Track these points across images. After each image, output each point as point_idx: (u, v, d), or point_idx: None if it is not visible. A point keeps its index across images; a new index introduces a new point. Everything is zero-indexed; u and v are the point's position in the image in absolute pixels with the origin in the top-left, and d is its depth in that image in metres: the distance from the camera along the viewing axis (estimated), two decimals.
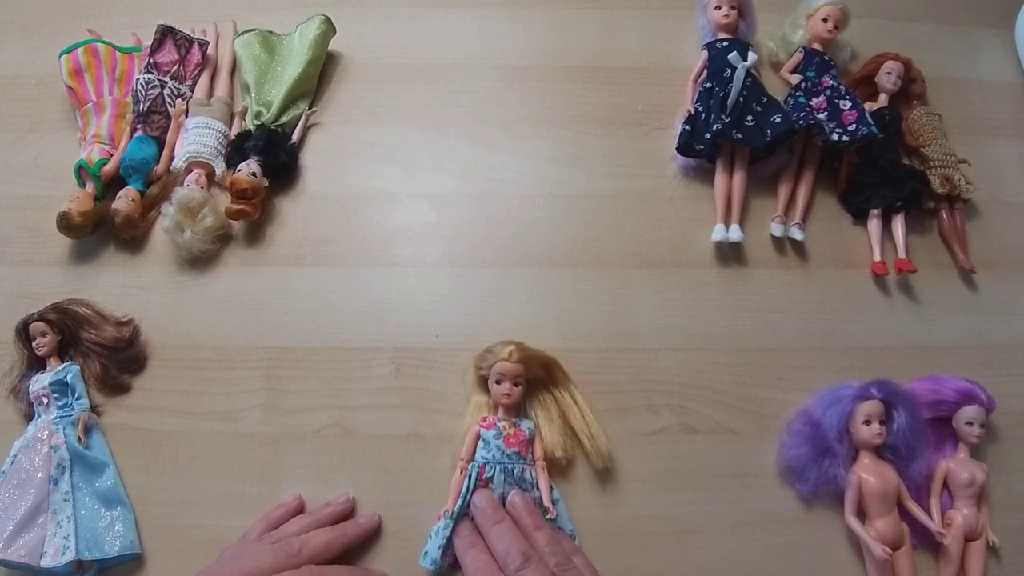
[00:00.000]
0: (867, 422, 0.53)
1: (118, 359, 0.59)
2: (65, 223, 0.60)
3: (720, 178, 0.65)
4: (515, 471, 0.53)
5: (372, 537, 0.54)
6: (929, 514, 0.54)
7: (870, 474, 0.53)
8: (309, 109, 0.69)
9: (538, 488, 0.53)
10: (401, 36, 0.74)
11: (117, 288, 0.63)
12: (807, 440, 0.54)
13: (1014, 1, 0.77)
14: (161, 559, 0.54)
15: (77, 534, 0.52)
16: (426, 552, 0.52)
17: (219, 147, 0.66)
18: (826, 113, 0.65)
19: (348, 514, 0.54)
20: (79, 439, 0.56)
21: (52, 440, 0.55)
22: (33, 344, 0.58)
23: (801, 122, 0.64)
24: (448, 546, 0.51)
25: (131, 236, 0.63)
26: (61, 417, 0.57)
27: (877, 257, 0.64)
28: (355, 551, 0.53)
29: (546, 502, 0.53)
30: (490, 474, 0.52)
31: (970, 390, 0.56)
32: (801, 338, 0.61)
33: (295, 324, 0.61)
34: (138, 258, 0.64)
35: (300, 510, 0.54)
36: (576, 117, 0.70)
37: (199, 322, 0.61)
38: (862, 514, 0.53)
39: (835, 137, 0.64)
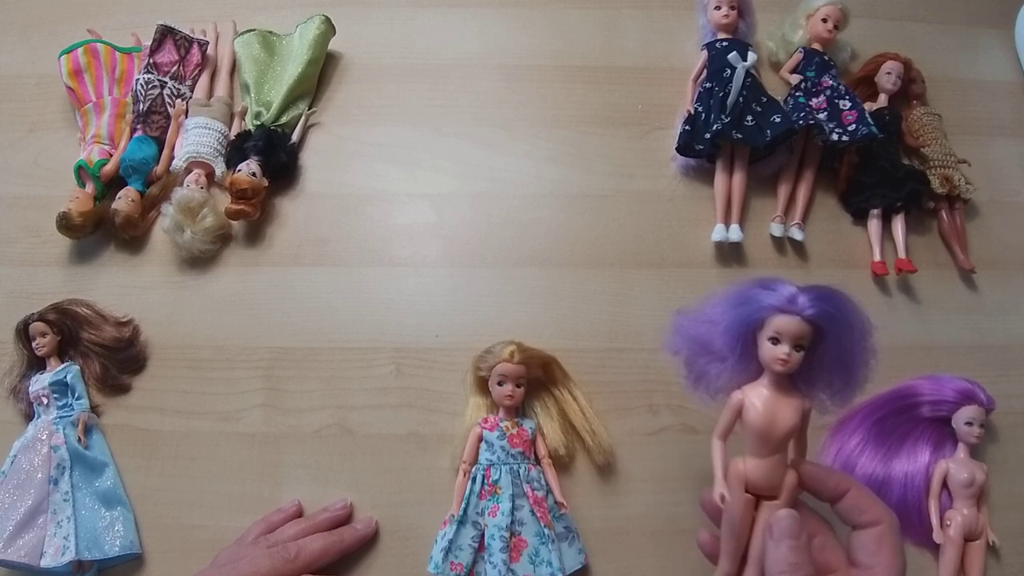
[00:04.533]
0: (774, 340, 0.40)
1: (118, 359, 0.59)
2: (65, 223, 0.60)
3: (720, 178, 0.65)
4: (522, 471, 0.53)
5: (372, 537, 0.54)
6: (929, 514, 0.55)
7: (759, 403, 0.41)
8: (309, 109, 0.69)
9: (548, 485, 0.54)
10: (401, 36, 0.74)
11: (117, 288, 0.63)
12: (691, 337, 0.43)
13: (1014, 1, 0.77)
14: (161, 559, 0.54)
15: (77, 534, 0.52)
16: (430, 556, 0.52)
17: (219, 147, 0.66)
18: (826, 113, 0.65)
19: (345, 520, 0.54)
20: (79, 439, 0.56)
21: (52, 440, 0.55)
22: (33, 344, 0.58)
23: (801, 122, 0.64)
24: (451, 551, 0.51)
25: (131, 236, 0.63)
26: (61, 417, 0.57)
27: (877, 257, 0.64)
28: (355, 551, 0.53)
29: (559, 497, 0.53)
30: (496, 476, 0.52)
31: (970, 390, 0.56)
32: None
33: (295, 324, 0.61)
34: (138, 258, 0.64)
35: (298, 515, 0.54)
36: (576, 117, 0.70)
37: (199, 322, 0.61)
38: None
39: (835, 137, 0.64)
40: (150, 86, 0.67)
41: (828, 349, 0.40)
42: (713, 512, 0.44)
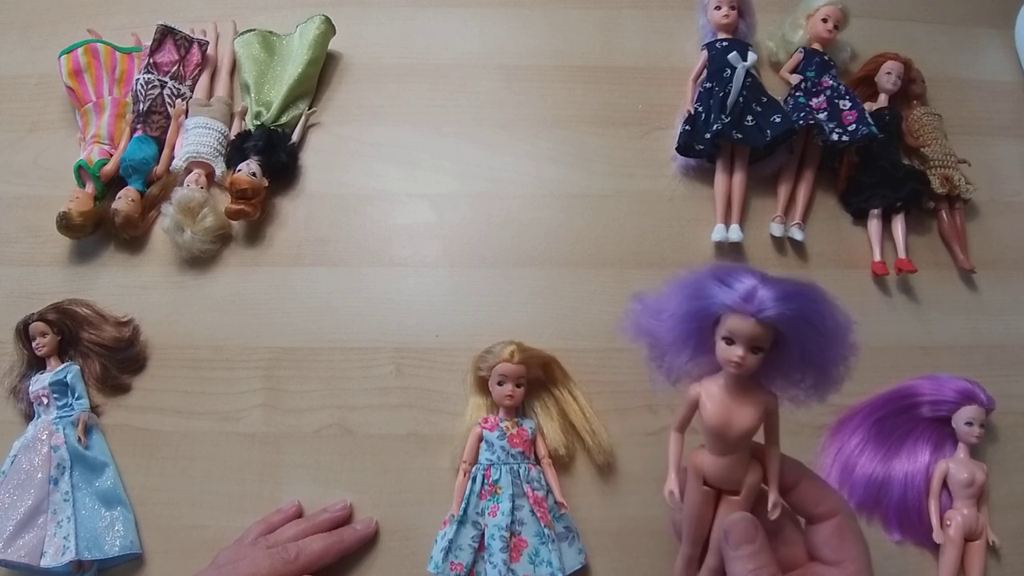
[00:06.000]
0: (728, 340, 0.37)
1: (118, 359, 0.59)
2: (65, 223, 0.60)
3: (720, 178, 0.65)
4: (522, 471, 0.53)
5: (372, 537, 0.54)
6: (929, 514, 0.55)
7: (710, 404, 0.38)
8: (309, 109, 0.69)
9: (548, 485, 0.54)
10: (401, 36, 0.74)
11: (117, 288, 0.63)
12: (644, 329, 0.40)
13: (1014, 1, 0.77)
14: (161, 559, 0.54)
15: (77, 534, 0.52)
16: (431, 556, 0.52)
17: (219, 147, 0.66)
18: (826, 113, 0.65)
19: (345, 520, 0.54)
20: (79, 439, 0.56)
21: (52, 440, 0.55)
22: (33, 344, 0.58)
23: (801, 122, 0.64)
24: (451, 551, 0.51)
25: (131, 236, 0.63)
26: (61, 417, 0.57)
27: (877, 257, 0.64)
28: (355, 552, 0.53)
29: (559, 498, 0.53)
30: (496, 476, 0.52)
31: (970, 390, 0.56)
32: None
33: (295, 324, 0.61)
34: (138, 258, 0.64)
35: (298, 516, 0.54)
36: (576, 117, 0.70)
37: (199, 322, 0.61)
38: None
39: (835, 137, 0.64)
40: (150, 86, 0.67)
41: (791, 352, 0.36)
42: (677, 505, 0.41)
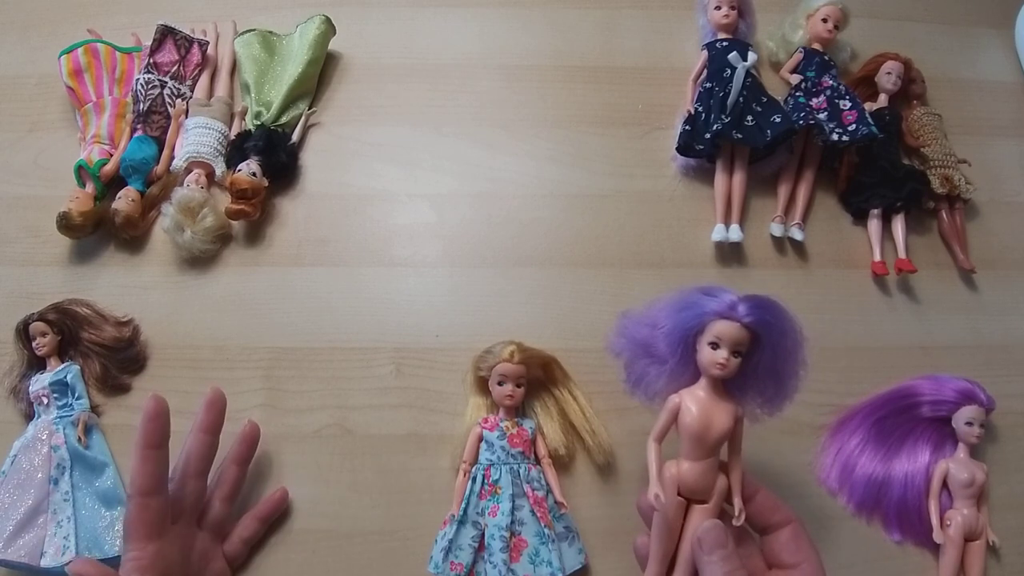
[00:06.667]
0: (714, 344, 0.42)
1: (118, 359, 0.59)
2: (65, 223, 0.60)
3: (720, 178, 0.65)
4: (522, 471, 0.53)
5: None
6: (929, 514, 0.55)
7: (695, 406, 0.42)
8: (309, 109, 0.69)
9: (548, 485, 0.54)
10: (401, 36, 0.74)
11: (117, 288, 0.63)
12: (634, 340, 0.45)
13: (1014, 1, 0.77)
14: None
15: (77, 534, 0.52)
16: (431, 556, 0.52)
17: (219, 147, 0.66)
18: (826, 113, 0.65)
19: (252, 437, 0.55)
20: (79, 439, 0.56)
21: (52, 440, 0.55)
22: (33, 344, 0.58)
23: (801, 122, 0.64)
24: (451, 551, 0.51)
25: (131, 236, 0.63)
26: (61, 417, 0.57)
27: (877, 257, 0.64)
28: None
29: (559, 497, 0.53)
30: (496, 476, 0.52)
31: (970, 390, 0.56)
32: None
33: (295, 324, 0.61)
34: (138, 258, 0.64)
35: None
36: (576, 117, 0.70)
37: (199, 322, 0.61)
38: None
39: (835, 137, 0.64)
40: (150, 86, 0.67)
41: (764, 357, 0.42)
42: (649, 515, 0.44)
